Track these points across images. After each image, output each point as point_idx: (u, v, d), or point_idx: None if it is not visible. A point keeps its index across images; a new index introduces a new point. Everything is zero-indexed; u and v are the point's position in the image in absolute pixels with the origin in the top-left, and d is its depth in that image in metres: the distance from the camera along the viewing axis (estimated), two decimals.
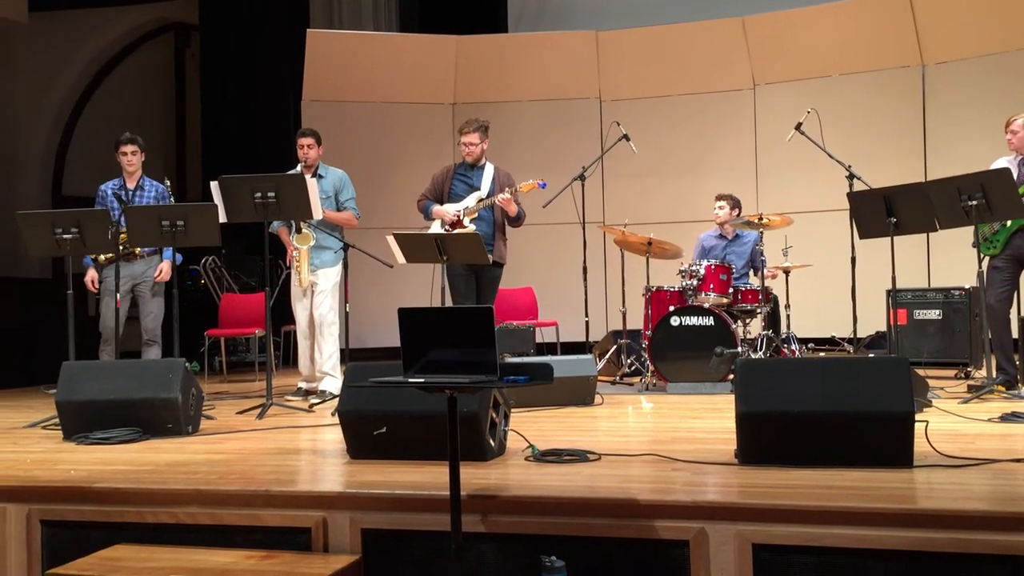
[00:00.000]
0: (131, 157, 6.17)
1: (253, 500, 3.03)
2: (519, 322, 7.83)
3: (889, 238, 5.27)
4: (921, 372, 5.19)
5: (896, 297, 5.69)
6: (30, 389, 7.33)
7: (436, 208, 6.09)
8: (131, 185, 6.21)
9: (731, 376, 5.89)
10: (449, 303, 6.09)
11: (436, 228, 6.02)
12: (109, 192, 6.21)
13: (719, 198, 7.12)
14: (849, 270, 5.94)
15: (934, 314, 6.79)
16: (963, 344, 6.64)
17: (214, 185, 5.31)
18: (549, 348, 8.23)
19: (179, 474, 3.36)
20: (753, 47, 9.14)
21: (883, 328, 7.28)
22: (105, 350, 6.01)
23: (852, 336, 6.19)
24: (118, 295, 5.73)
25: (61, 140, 11.80)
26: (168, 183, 6.32)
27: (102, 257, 5.98)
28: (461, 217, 5.97)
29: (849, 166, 6.04)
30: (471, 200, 6.01)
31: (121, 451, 3.97)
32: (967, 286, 6.63)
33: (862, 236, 5.49)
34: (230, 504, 3.04)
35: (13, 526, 3.19)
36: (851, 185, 5.96)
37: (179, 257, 6.05)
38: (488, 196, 5.99)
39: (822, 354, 7.23)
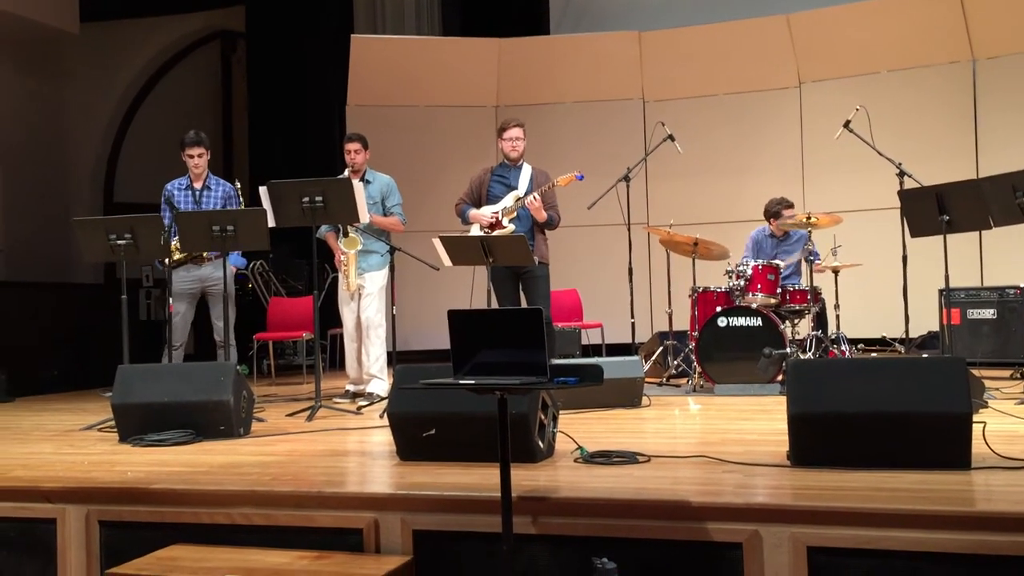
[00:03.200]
0: (198, 160, 6.18)
1: (306, 501, 3.06)
2: (564, 324, 7.82)
3: (941, 236, 5.18)
4: (976, 372, 5.10)
5: (949, 296, 5.59)
6: (85, 392, 7.48)
7: (473, 212, 6.08)
8: (198, 185, 6.23)
9: (780, 377, 5.84)
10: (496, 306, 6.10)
11: (476, 231, 6.03)
12: (175, 192, 6.21)
13: (790, 206, 7.07)
14: (900, 269, 5.84)
15: (988, 313, 6.66)
16: (1018, 344, 6.52)
17: (263, 190, 5.38)
18: (594, 350, 8.21)
19: (233, 475, 3.41)
20: (799, 45, 9.05)
21: (935, 328, 7.16)
22: (170, 354, 6.08)
23: (903, 336, 6.09)
24: (171, 299, 5.81)
25: (112, 148, 12.03)
26: (239, 185, 6.27)
27: (167, 260, 6.01)
28: (500, 218, 5.97)
29: (899, 163, 5.95)
30: (509, 200, 6.01)
31: (175, 453, 4.04)
32: (1022, 285, 6.50)
33: (913, 234, 5.40)
34: (283, 505, 3.08)
35: (72, 527, 3.26)
36: (901, 183, 5.87)
37: (243, 261, 6.09)
38: (526, 194, 5.98)
39: (874, 355, 7.13)
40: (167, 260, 5.95)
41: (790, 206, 7.08)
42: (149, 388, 4.43)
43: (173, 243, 5.86)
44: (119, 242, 5.26)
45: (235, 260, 6.27)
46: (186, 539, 3.11)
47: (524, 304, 5.98)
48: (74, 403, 6.65)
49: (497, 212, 5.98)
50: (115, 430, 4.51)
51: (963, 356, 5.49)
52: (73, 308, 10.25)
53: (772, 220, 7.11)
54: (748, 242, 7.22)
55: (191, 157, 6.18)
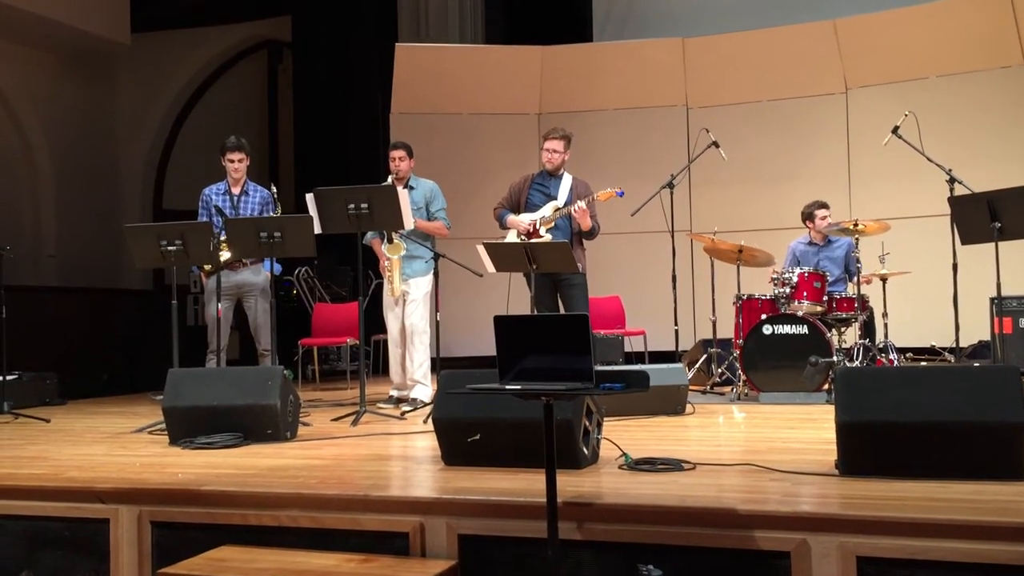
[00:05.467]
0: (238, 164, 6.25)
1: (352, 504, 3.09)
2: (607, 331, 7.80)
3: (993, 244, 5.10)
4: None
5: (1001, 305, 5.49)
6: (134, 395, 7.61)
7: (511, 218, 6.11)
8: (236, 190, 6.31)
9: (826, 386, 5.77)
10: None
11: (512, 238, 6.04)
12: (213, 197, 6.28)
13: (823, 206, 7.05)
14: (950, 277, 5.76)
15: None
16: None
17: (309, 197, 5.44)
18: (637, 357, 8.17)
19: (280, 478, 3.45)
20: (845, 50, 8.96)
21: (986, 337, 7.02)
22: (212, 359, 6.17)
23: (953, 346, 5.99)
24: (220, 304, 5.89)
25: (161, 156, 12.27)
26: (275, 189, 6.33)
27: (207, 267, 6.10)
28: (537, 227, 5.97)
29: (950, 170, 5.86)
30: (547, 209, 6.01)
31: (224, 455, 4.10)
32: None
33: (964, 242, 5.31)
34: (330, 508, 3.11)
35: (125, 527, 3.32)
36: (952, 189, 5.78)
37: (278, 268, 6.15)
38: (565, 205, 5.97)
39: (923, 364, 7.02)
40: (205, 265, 6.03)
41: (823, 206, 7.06)
42: (198, 392, 4.50)
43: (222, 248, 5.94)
44: (170, 248, 5.33)
45: (268, 266, 6.34)
46: (235, 540, 3.15)
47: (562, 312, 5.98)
48: (125, 406, 6.76)
49: (535, 220, 5.99)
50: (165, 432, 4.59)
51: (1015, 365, 5.39)
52: (123, 313, 10.46)
53: (808, 223, 7.08)
54: (787, 254, 7.18)
55: (231, 161, 6.26)
